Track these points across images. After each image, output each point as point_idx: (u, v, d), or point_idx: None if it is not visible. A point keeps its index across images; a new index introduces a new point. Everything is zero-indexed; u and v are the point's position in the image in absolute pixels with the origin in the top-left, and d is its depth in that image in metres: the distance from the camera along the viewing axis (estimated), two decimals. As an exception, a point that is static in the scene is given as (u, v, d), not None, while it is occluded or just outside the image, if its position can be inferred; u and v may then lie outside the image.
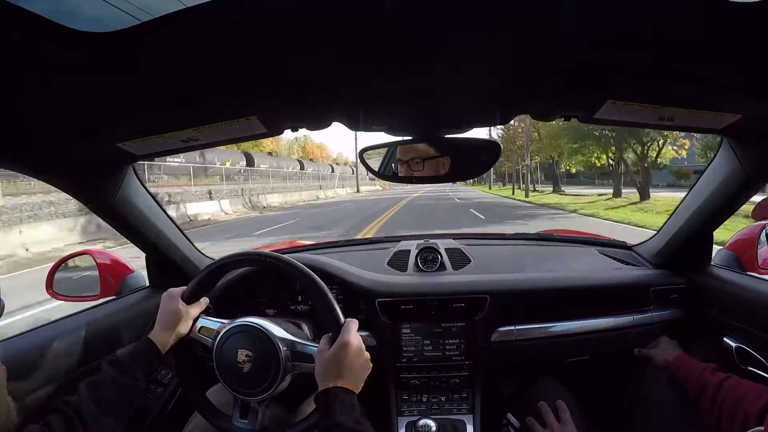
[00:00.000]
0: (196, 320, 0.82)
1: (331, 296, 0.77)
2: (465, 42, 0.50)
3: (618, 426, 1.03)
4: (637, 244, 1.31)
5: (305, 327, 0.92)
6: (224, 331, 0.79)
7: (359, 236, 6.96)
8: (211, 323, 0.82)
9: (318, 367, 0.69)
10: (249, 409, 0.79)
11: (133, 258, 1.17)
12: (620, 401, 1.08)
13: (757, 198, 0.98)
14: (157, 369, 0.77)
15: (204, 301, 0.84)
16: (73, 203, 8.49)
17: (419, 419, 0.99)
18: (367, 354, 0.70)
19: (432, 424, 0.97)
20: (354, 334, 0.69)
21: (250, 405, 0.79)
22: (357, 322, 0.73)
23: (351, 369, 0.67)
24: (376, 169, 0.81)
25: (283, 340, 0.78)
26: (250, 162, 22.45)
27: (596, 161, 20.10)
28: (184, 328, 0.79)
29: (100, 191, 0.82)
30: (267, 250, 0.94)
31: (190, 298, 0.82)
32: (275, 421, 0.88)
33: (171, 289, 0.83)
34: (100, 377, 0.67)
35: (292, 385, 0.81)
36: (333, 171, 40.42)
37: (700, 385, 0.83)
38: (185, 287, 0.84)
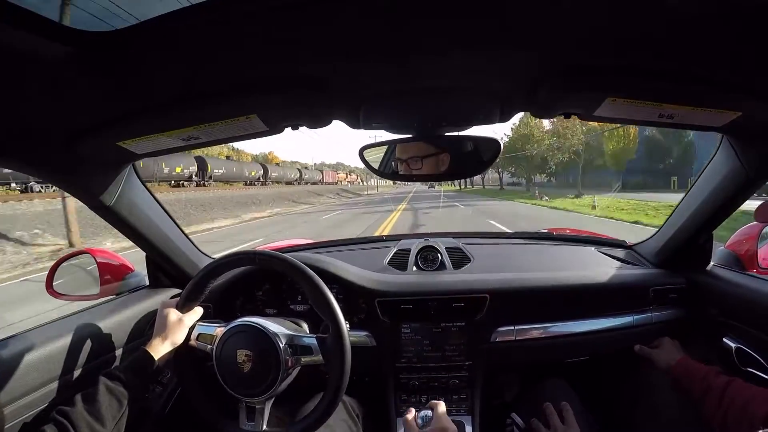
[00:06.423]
0: (193, 328, 0.82)
1: (324, 286, 0.78)
2: (465, 41, 0.50)
3: (621, 427, 1.03)
4: (636, 244, 1.31)
5: (304, 325, 0.92)
6: (222, 334, 0.79)
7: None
8: (209, 328, 0.82)
9: None
10: (255, 411, 0.79)
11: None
12: (624, 403, 1.08)
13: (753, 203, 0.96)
14: (154, 380, 0.78)
15: (199, 310, 0.85)
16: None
17: (420, 411, 0.97)
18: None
19: (431, 414, 0.95)
20: (445, 416, 0.80)
21: (255, 407, 0.79)
22: (443, 404, 0.82)
23: None
24: (377, 168, 0.81)
25: (280, 335, 0.78)
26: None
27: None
28: (180, 338, 0.79)
29: (101, 190, 0.82)
30: (262, 249, 0.94)
31: (184, 307, 0.83)
32: (281, 420, 0.88)
33: (165, 300, 0.84)
34: (96, 389, 0.67)
35: (295, 384, 0.81)
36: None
37: (704, 388, 0.82)
38: (179, 298, 0.84)
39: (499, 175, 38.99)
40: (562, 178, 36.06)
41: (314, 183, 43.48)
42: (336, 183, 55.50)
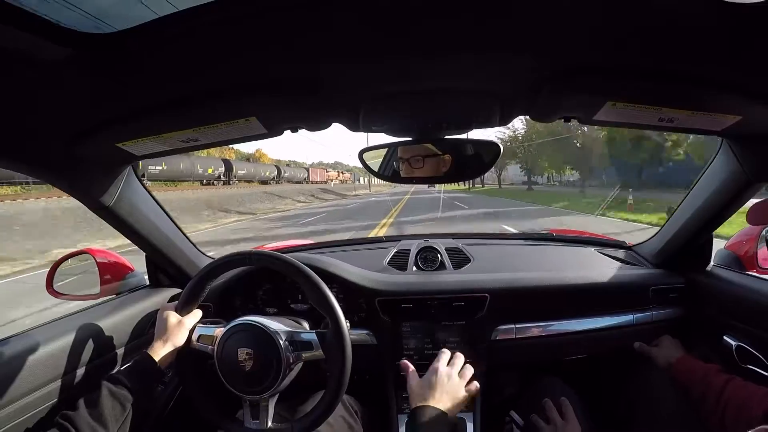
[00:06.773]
0: (193, 330, 0.83)
1: (322, 284, 0.79)
2: (465, 43, 0.50)
3: (620, 425, 1.04)
4: (636, 244, 1.31)
5: (305, 323, 0.93)
6: (222, 333, 0.80)
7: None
8: (209, 329, 0.83)
9: (410, 389, 0.78)
10: (258, 409, 0.80)
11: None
12: (623, 400, 1.09)
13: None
14: (157, 383, 0.78)
15: (198, 312, 0.85)
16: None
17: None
18: (456, 378, 0.77)
19: None
20: (443, 363, 0.80)
21: (259, 405, 0.79)
22: (448, 352, 0.83)
23: (440, 392, 0.75)
24: (376, 170, 0.81)
25: (281, 332, 0.79)
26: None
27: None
28: (180, 340, 0.80)
29: (101, 191, 0.82)
30: (260, 249, 0.94)
31: (183, 309, 0.83)
32: (284, 417, 0.89)
33: (164, 303, 0.85)
34: (98, 393, 0.68)
35: (297, 380, 0.81)
36: None
37: (703, 386, 0.82)
38: (177, 301, 0.84)
39: (527, 172, 30.43)
40: (590, 177, 26.01)
41: (298, 182, 39.01)
42: (325, 182, 50.52)
